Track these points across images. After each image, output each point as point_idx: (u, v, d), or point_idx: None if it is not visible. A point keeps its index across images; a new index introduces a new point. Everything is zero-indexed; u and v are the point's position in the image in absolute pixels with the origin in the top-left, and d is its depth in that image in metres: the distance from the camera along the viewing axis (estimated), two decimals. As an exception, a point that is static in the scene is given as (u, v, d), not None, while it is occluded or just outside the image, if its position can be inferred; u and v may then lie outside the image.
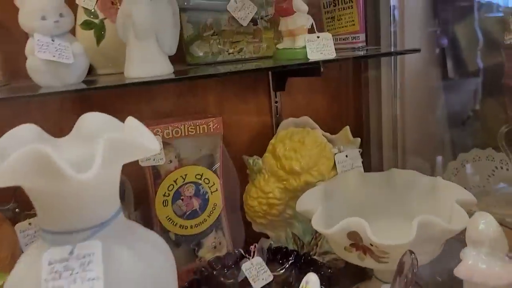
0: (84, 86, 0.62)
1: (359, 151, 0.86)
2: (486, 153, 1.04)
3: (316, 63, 0.64)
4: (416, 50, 0.71)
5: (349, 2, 0.78)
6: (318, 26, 0.76)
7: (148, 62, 0.63)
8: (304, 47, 0.68)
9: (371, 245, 0.63)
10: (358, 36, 0.79)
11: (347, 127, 0.88)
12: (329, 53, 0.67)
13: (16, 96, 0.57)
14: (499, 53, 0.91)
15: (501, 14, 0.95)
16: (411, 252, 0.57)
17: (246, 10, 0.75)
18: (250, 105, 0.94)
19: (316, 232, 0.90)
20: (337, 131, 0.90)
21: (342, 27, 0.79)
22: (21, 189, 0.44)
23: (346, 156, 0.84)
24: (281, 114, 0.95)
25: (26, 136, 0.48)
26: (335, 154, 0.83)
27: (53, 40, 0.60)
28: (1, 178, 0.38)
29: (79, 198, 0.43)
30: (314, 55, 0.67)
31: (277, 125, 0.95)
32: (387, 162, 0.93)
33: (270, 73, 0.88)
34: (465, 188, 1.01)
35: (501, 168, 1.03)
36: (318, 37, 0.68)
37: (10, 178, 0.39)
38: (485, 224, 0.53)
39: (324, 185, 0.79)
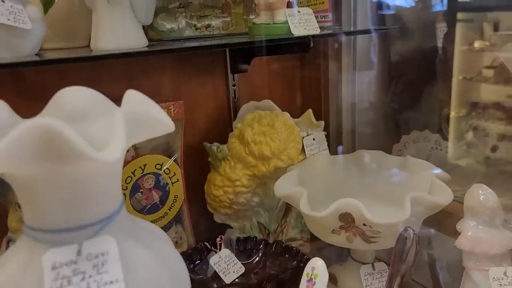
0: (38, 58, 0.52)
1: (325, 134, 0.85)
2: (424, 134, 1.10)
3: (305, 38, 0.61)
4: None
5: (319, -20, 0.76)
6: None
7: (120, 33, 0.54)
8: (286, 22, 0.64)
9: (364, 225, 0.61)
10: (328, 15, 0.77)
11: (310, 110, 0.87)
12: (313, 29, 0.64)
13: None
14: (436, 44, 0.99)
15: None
16: (411, 228, 0.57)
17: (216, -19, 0.69)
18: (207, 89, 0.87)
19: (282, 219, 0.88)
20: (296, 114, 0.88)
21: (312, 5, 0.77)
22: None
23: (314, 139, 0.82)
24: (238, 97, 0.90)
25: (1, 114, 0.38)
26: (303, 137, 0.81)
27: (3, 1, 0.48)
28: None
29: (90, 184, 0.35)
30: (297, 30, 0.63)
31: (235, 109, 0.91)
32: (346, 145, 0.94)
33: (228, 53, 0.83)
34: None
35: (436, 148, 1.10)
36: (299, 11, 0.65)
37: (6, 163, 0.30)
38: (485, 195, 0.54)
39: (297, 169, 0.76)
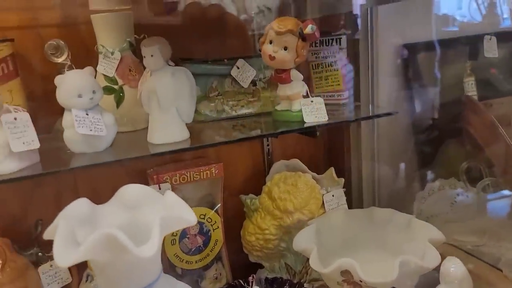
0: (111, 156, 0.71)
1: (343, 190, 0.98)
2: (449, 182, 1.18)
3: (312, 126, 0.76)
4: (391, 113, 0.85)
5: (335, 65, 0.90)
6: (307, 83, 0.88)
7: (169, 130, 0.73)
8: (300, 110, 0.79)
9: (360, 281, 0.74)
10: (342, 94, 0.91)
11: (332, 168, 1.00)
12: (322, 117, 0.78)
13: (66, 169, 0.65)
14: (459, 103, 1.08)
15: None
16: (395, 288, 0.70)
17: (247, 73, 0.86)
18: (245, 148, 1.04)
19: (306, 261, 1.02)
20: (322, 170, 1.02)
21: (329, 86, 0.91)
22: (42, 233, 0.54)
23: (333, 195, 0.96)
24: (272, 155, 1.06)
25: (82, 209, 0.57)
26: (323, 194, 0.95)
27: (87, 114, 0.68)
28: (81, 257, 0.48)
29: (138, 266, 0.52)
30: (309, 118, 0.78)
31: (269, 165, 1.07)
32: (367, 195, 1.06)
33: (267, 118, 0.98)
34: (431, 215, 1.16)
35: (462, 195, 1.18)
36: (312, 101, 0.80)
37: (87, 256, 0.48)
38: (455, 268, 0.66)
39: (315, 223, 0.91)
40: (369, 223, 0.94)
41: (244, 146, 1.04)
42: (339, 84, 0.91)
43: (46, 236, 0.53)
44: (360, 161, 1.04)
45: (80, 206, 0.57)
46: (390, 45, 1.06)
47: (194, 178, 0.92)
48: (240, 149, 1.04)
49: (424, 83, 1.10)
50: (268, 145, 1.04)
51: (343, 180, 0.99)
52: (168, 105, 0.71)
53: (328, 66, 0.90)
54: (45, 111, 0.81)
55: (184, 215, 0.54)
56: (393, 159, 1.11)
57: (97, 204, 0.61)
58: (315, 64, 0.92)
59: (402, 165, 1.14)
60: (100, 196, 0.87)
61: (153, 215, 0.59)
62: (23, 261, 0.81)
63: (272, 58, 0.77)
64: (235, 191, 1.04)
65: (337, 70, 0.90)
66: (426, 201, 1.19)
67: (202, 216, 0.95)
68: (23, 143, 0.63)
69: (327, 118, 0.78)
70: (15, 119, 0.63)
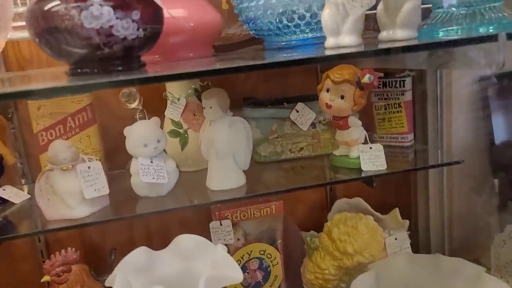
0: (173, 200, 0.76)
1: (408, 233, 0.95)
2: (534, 224, 1.08)
3: (370, 176, 0.75)
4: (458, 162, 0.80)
5: (399, 107, 0.87)
6: (370, 125, 0.86)
7: (226, 177, 0.76)
8: (358, 157, 0.78)
9: (417, 339, 0.72)
10: (407, 137, 0.88)
11: (397, 209, 0.97)
12: (381, 165, 0.77)
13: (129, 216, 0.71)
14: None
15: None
16: None
17: (306, 116, 0.86)
18: (307, 184, 1.05)
19: (367, 303, 1.00)
20: (386, 210, 0.99)
21: (392, 127, 0.89)
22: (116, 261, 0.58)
23: (396, 239, 0.93)
24: (335, 191, 1.05)
25: (140, 257, 0.62)
26: (385, 237, 0.93)
27: (151, 162, 0.74)
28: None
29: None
30: (367, 166, 0.77)
31: (331, 201, 1.06)
32: (435, 239, 1.01)
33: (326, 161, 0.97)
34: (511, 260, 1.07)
35: (549, 239, 1.07)
36: (370, 148, 0.78)
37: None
38: None
39: (375, 268, 0.88)
40: (433, 272, 0.89)
41: (308, 182, 1.05)
42: (403, 126, 0.88)
43: (107, 283, 0.58)
44: (428, 202, 1.00)
45: (139, 255, 0.62)
46: (464, 80, 1.00)
47: (254, 215, 0.94)
48: (303, 185, 1.05)
49: (505, 117, 1.02)
50: (331, 181, 1.04)
51: (407, 222, 0.96)
52: (225, 154, 0.75)
53: (391, 108, 0.88)
54: (120, 149, 0.89)
55: (231, 274, 0.57)
56: (466, 199, 1.04)
57: (163, 235, 0.66)
58: (378, 106, 0.90)
59: (477, 205, 1.07)
60: (168, 225, 0.94)
61: (204, 267, 0.62)
62: (98, 286, 0.89)
63: (329, 106, 0.77)
64: (298, 226, 1.05)
65: (401, 112, 0.87)
66: (505, 244, 1.10)
67: (262, 252, 0.97)
68: (95, 190, 0.70)
69: (386, 167, 0.77)
70: (89, 168, 0.70)
